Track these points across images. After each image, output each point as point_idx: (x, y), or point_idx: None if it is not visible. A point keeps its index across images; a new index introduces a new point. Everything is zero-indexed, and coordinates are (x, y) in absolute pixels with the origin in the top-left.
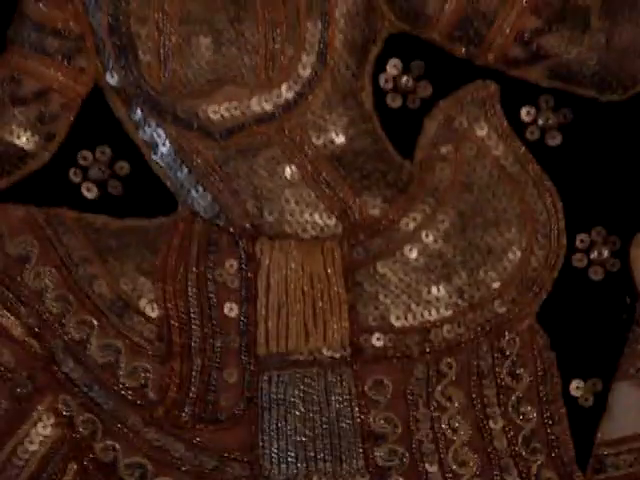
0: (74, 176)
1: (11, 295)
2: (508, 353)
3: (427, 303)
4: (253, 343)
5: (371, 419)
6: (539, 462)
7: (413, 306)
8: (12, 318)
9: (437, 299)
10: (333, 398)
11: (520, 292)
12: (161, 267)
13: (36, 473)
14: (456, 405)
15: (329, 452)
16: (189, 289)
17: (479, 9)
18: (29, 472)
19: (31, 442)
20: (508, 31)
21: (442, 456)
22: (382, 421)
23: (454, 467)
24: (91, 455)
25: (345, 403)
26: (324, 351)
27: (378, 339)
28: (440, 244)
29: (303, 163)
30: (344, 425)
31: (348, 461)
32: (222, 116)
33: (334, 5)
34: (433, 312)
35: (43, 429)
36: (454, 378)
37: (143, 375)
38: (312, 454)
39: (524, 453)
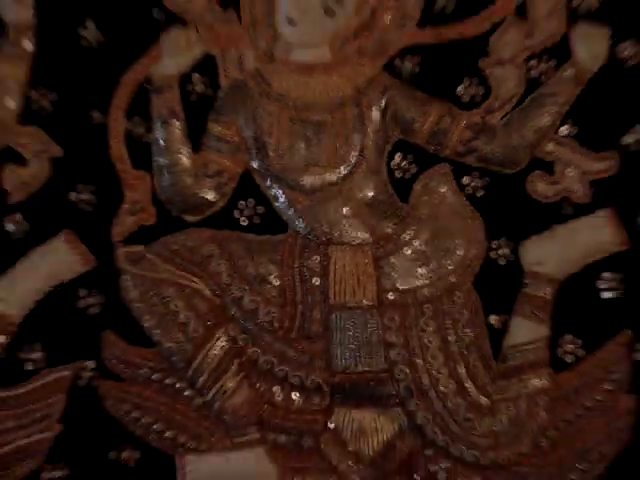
0: (237, 214)
1: (205, 275)
2: (457, 302)
3: (415, 277)
4: (327, 298)
5: (387, 336)
6: (473, 357)
7: (409, 279)
8: (204, 286)
9: (421, 275)
10: (368, 326)
11: (463, 271)
12: (281, 259)
13: (217, 366)
14: (431, 329)
15: (366, 353)
16: (294, 270)
17: (440, 128)
18: (213, 365)
19: (214, 350)
20: (455, 139)
21: (424, 355)
22: (393, 337)
23: (430, 360)
24: (244, 357)
25: (374, 328)
26: (364, 302)
27: (391, 295)
28: (422, 247)
29: (352, 206)
30: (374, 339)
31: (376, 358)
32: (311, 183)
33: (367, 126)
34: (419, 282)
35: (220, 342)
36: (430, 315)
37: (272, 315)
38: (358, 354)
39: (466, 353)
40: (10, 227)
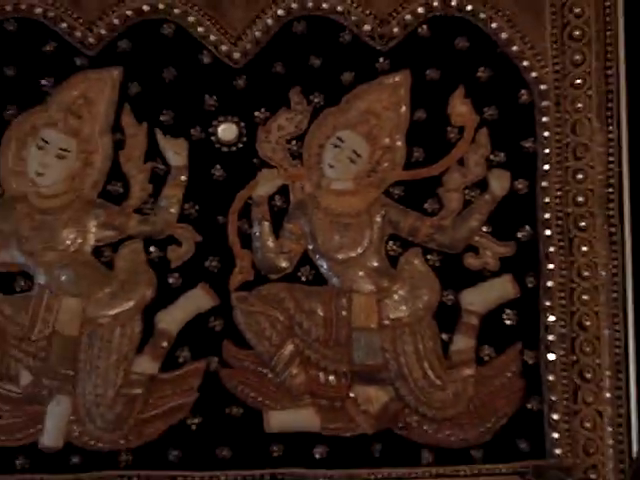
0: (299, 274)
1: (280, 308)
2: (423, 325)
3: (400, 311)
4: (350, 323)
5: (383, 344)
6: (432, 357)
7: (396, 312)
8: (279, 315)
9: (403, 310)
10: (373, 338)
11: (427, 308)
12: (324, 300)
13: (287, 361)
14: (408, 341)
15: (372, 354)
16: (332, 307)
17: (414, 227)
18: (285, 360)
19: (285, 352)
20: (423, 234)
21: (404, 355)
22: (387, 345)
23: (407, 359)
24: (302, 356)
25: (376, 339)
26: (371, 325)
27: (386, 321)
28: (404, 294)
29: (365, 270)
30: (376, 346)
31: (377, 357)
32: (342, 257)
33: (373, 226)
34: (402, 314)
35: (289, 347)
36: (408, 332)
37: (318, 332)
38: (366, 354)
39: (428, 354)
40: (171, 280)
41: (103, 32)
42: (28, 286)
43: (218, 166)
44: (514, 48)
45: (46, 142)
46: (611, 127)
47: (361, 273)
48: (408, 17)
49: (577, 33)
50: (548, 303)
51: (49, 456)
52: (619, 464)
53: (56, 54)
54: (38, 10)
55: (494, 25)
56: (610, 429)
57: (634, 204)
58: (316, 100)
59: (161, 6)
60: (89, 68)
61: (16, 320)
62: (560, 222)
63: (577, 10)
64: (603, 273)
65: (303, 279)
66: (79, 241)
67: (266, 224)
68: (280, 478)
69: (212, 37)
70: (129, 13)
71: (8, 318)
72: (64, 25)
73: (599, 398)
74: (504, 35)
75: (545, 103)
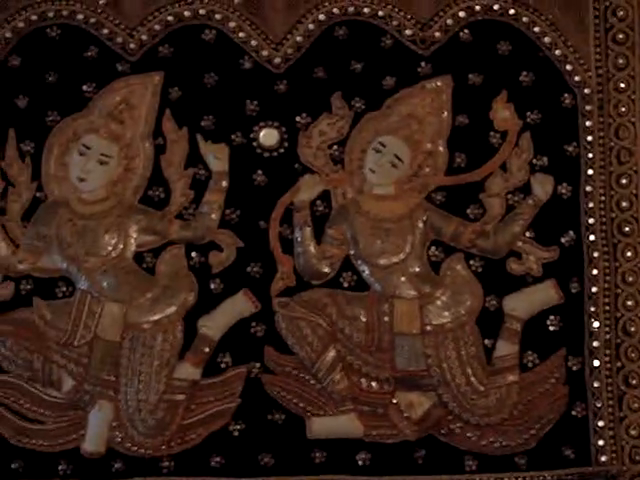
0: (341, 280)
1: (322, 314)
2: (466, 331)
3: (443, 317)
4: (392, 328)
5: (426, 350)
6: (475, 363)
7: (439, 318)
8: (322, 321)
9: (446, 316)
10: (415, 344)
11: (470, 314)
12: (366, 306)
13: (329, 367)
14: (451, 346)
15: (414, 359)
16: (374, 312)
17: (457, 233)
18: (327, 366)
19: (327, 357)
20: (465, 239)
21: (447, 361)
22: (429, 351)
23: (450, 364)
24: (345, 362)
25: (419, 345)
26: (413, 331)
27: (429, 327)
28: (447, 300)
29: (407, 276)
30: (418, 352)
31: (419, 362)
32: (384, 263)
33: (415, 231)
34: (444, 320)
35: (331, 353)
36: (450, 338)
37: (361, 337)
38: (409, 360)
39: (471, 360)
40: (212, 286)
41: (144, 38)
42: (69, 292)
43: (259, 171)
44: (557, 52)
45: (88, 148)
46: None
47: (403, 279)
48: (449, 21)
49: (620, 36)
50: (592, 309)
51: (91, 462)
52: None
53: (97, 60)
54: (80, 16)
55: (536, 29)
56: None
57: None
58: (357, 105)
59: (202, 12)
60: (130, 74)
61: (58, 326)
62: (604, 227)
63: (621, 13)
64: None
65: (345, 285)
66: (120, 247)
67: (308, 229)
68: None
69: (253, 42)
70: (170, 19)
71: (49, 324)
72: (105, 31)
73: None
74: (547, 39)
75: (588, 107)
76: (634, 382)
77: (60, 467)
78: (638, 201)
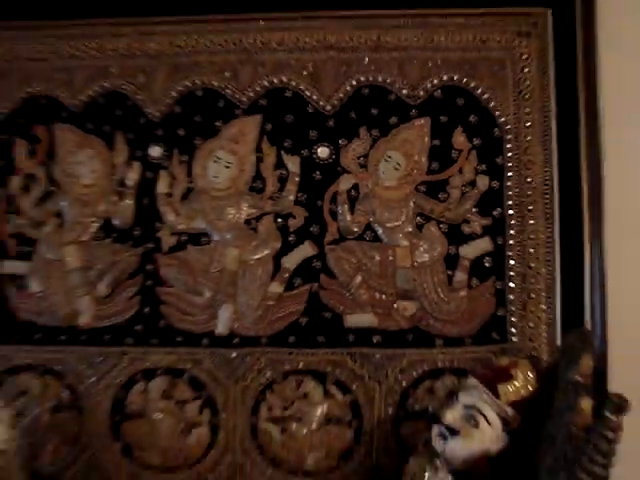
0: (365, 236)
1: (351, 254)
2: None
3: (421, 257)
4: None
5: None
6: None
7: (421, 257)
8: (352, 257)
9: (425, 257)
10: (410, 273)
11: (439, 254)
12: (379, 251)
13: (358, 285)
14: None
15: None
16: (385, 254)
17: (432, 209)
18: (356, 285)
19: (356, 279)
20: (437, 213)
21: (426, 286)
22: (416, 277)
23: (429, 289)
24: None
25: None
26: (407, 265)
27: (416, 263)
28: (426, 247)
29: (405, 235)
30: None
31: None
32: (389, 233)
33: (408, 209)
34: (424, 259)
35: (358, 278)
36: (427, 271)
37: (373, 263)
38: None
39: None
40: (290, 238)
41: (252, 95)
42: (208, 241)
43: (317, 172)
44: (491, 104)
45: (219, 158)
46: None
47: (400, 235)
48: (429, 85)
49: (527, 96)
50: (510, 253)
51: (220, 339)
52: (550, 347)
53: (224, 108)
54: (215, 83)
55: (479, 90)
56: (544, 327)
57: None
58: (375, 134)
59: (284, 79)
60: (243, 115)
61: (201, 260)
62: (517, 207)
63: (527, 83)
64: (542, 237)
65: (367, 238)
66: (237, 216)
67: (346, 206)
68: (352, 353)
69: (314, 96)
70: (266, 84)
71: (197, 259)
72: (229, 91)
73: (538, 307)
74: (485, 96)
75: (508, 136)
76: (533, 295)
77: (203, 341)
78: (535, 191)
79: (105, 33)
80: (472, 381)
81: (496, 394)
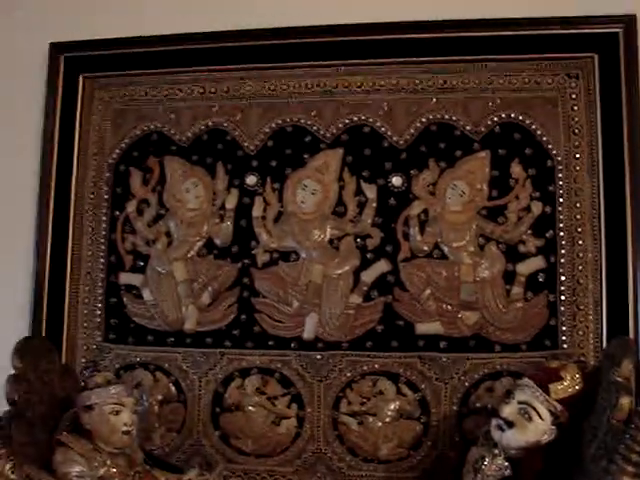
0: (433, 254)
1: (422, 269)
2: None
3: (483, 273)
4: None
5: None
6: None
7: (482, 273)
8: (422, 273)
9: (486, 273)
10: (472, 286)
11: (498, 270)
12: (445, 267)
13: (427, 297)
14: None
15: None
16: (450, 270)
17: (492, 230)
18: (426, 297)
19: (425, 292)
20: (497, 234)
21: (487, 298)
22: (478, 290)
23: (489, 301)
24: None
25: None
26: (470, 280)
27: (478, 278)
28: (486, 264)
29: (469, 253)
30: None
31: None
32: (454, 251)
33: (471, 231)
34: (485, 274)
35: (427, 291)
36: (488, 285)
37: (441, 278)
38: None
39: None
40: (368, 256)
41: (334, 131)
42: (296, 258)
43: (392, 199)
44: (544, 138)
45: (306, 186)
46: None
47: (465, 254)
48: (489, 122)
49: (577, 131)
50: (561, 270)
51: (307, 343)
52: (596, 354)
53: (311, 142)
54: (302, 120)
55: (533, 127)
56: (592, 335)
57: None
58: (442, 165)
59: (363, 118)
60: (327, 149)
61: (291, 275)
62: (568, 229)
63: (576, 119)
64: (589, 256)
65: (435, 256)
66: (322, 236)
67: (416, 228)
68: (422, 357)
69: (389, 132)
70: (347, 121)
71: (287, 274)
72: (314, 128)
73: (586, 318)
74: (539, 131)
75: (560, 167)
76: (582, 307)
77: (292, 345)
78: (583, 215)
79: (208, 79)
80: (526, 381)
81: (547, 392)
